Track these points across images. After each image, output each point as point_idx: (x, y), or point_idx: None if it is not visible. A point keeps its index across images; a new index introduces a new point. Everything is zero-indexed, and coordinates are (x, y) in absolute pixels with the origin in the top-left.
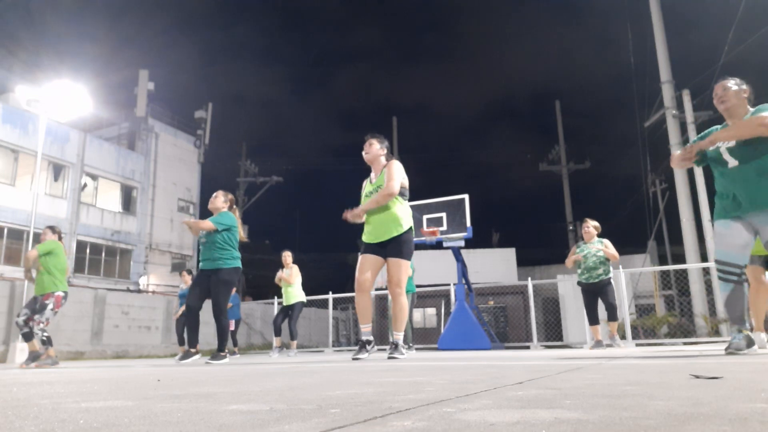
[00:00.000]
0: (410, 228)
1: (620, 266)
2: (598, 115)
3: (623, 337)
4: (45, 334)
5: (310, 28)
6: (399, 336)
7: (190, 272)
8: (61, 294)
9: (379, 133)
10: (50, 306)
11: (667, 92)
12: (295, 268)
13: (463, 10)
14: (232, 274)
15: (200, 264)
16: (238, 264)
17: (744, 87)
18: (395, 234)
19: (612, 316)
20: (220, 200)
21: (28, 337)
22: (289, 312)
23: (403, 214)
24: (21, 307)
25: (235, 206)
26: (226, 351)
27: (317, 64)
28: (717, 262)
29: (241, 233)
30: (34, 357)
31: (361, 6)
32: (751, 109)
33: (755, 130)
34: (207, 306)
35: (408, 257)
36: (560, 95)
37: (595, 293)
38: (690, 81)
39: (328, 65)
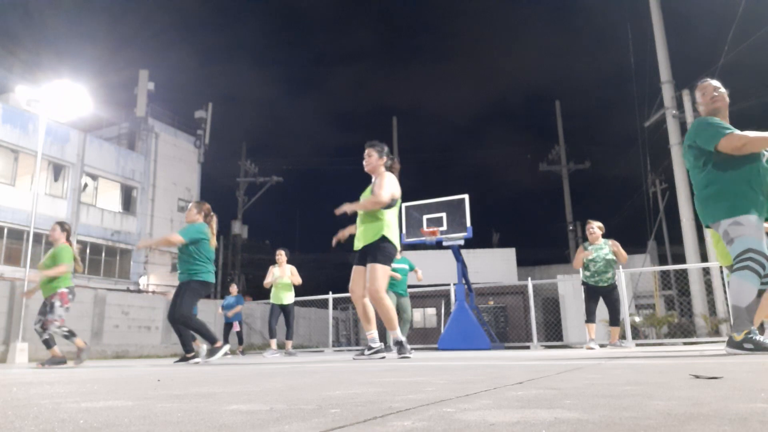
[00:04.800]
0: (386, 237)
1: (620, 266)
2: (598, 116)
3: (623, 337)
4: (65, 329)
5: (310, 30)
6: (396, 334)
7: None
8: (65, 290)
9: (378, 141)
10: (57, 304)
11: (667, 92)
12: (294, 268)
13: (462, 10)
14: (200, 287)
15: (178, 276)
16: (210, 279)
17: (727, 92)
18: (372, 240)
19: (616, 321)
20: (193, 213)
21: (48, 344)
22: (281, 312)
23: (386, 224)
24: (21, 307)
25: (212, 214)
26: (193, 353)
27: (317, 65)
28: (754, 251)
29: (212, 242)
30: (56, 361)
31: (360, 7)
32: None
33: None
34: (206, 306)
35: (383, 262)
36: (560, 95)
37: (601, 295)
38: (690, 81)
39: (328, 66)
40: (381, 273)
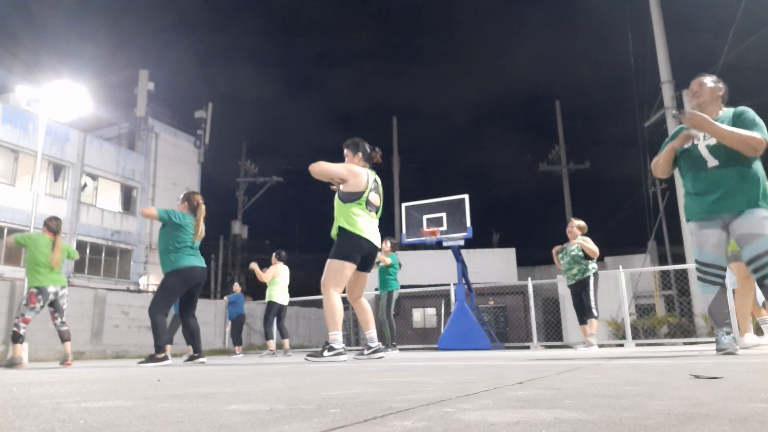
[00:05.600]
0: (342, 228)
1: (620, 266)
2: (598, 116)
3: (623, 336)
4: (13, 328)
5: (310, 30)
6: (331, 335)
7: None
8: (34, 290)
9: (355, 139)
10: (24, 302)
11: (667, 92)
12: (277, 267)
13: (462, 10)
14: (167, 279)
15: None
16: (188, 262)
17: (720, 85)
18: (335, 236)
19: (588, 314)
20: (178, 204)
21: (15, 338)
22: (269, 310)
23: (345, 217)
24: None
25: (198, 204)
26: (164, 354)
27: (316, 65)
28: (699, 263)
29: (200, 230)
30: (11, 363)
31: (360, 7)
32: (726, 109)
33: (738, 144)
34: (205, 306)
35: (334, 256)
36: (560, 95)
37: (577, 293)
38: (690, 81)
39: (328, 66)
40: (330, 267)
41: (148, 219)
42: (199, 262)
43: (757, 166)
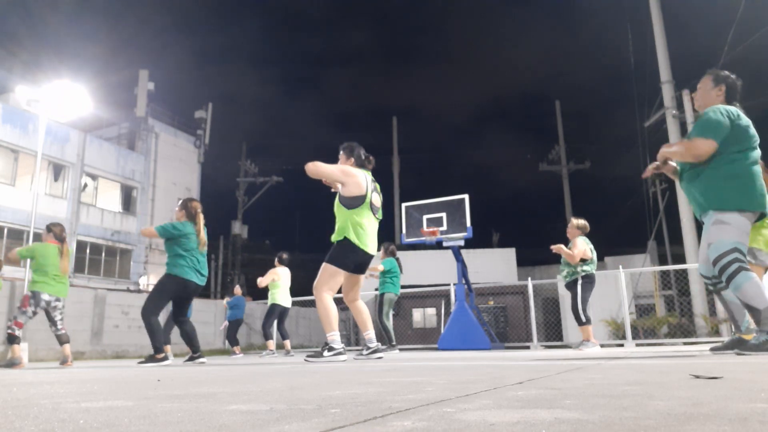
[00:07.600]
0: (347, 238)
1: (620, 266)
2: (598, 115)
3: (623, 336)
4: (10, 331)
5: (310, 31)
6: (329, 337)
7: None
8: (28, 293)
9: (351, 143)
10: (18, 305)
11: (667, 92)
12: (276, 270)
13: (462, 10)
14: (168, 281)
15: None
16: (181, 273)
17: (721, 85)
18: (334, 240)
19: (576, 320)
20: (176, 211)
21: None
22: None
23: (349, 225)
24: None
25: (197, 212)
26: (163, 354)
27: (316, 65)
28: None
29: (201, 237)
30: (10, 363)
31: (360, 7)
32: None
33: (683, 158)
34: (206, 307)
35: (330, 261)
36: (560, 95)
37: (570, 295)
38: (690, 81)
39: (328, 67)
40: (324, 271)
41: (149, 236)
42: (196, 277)
43: (711, 169)
